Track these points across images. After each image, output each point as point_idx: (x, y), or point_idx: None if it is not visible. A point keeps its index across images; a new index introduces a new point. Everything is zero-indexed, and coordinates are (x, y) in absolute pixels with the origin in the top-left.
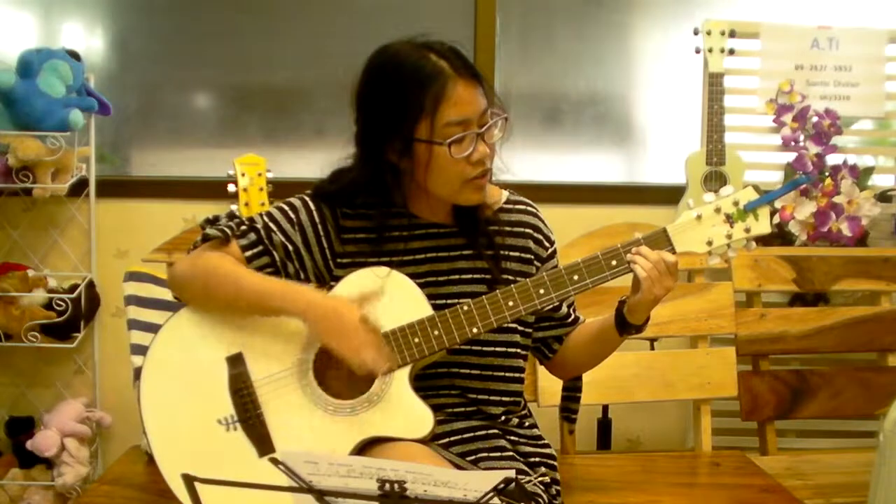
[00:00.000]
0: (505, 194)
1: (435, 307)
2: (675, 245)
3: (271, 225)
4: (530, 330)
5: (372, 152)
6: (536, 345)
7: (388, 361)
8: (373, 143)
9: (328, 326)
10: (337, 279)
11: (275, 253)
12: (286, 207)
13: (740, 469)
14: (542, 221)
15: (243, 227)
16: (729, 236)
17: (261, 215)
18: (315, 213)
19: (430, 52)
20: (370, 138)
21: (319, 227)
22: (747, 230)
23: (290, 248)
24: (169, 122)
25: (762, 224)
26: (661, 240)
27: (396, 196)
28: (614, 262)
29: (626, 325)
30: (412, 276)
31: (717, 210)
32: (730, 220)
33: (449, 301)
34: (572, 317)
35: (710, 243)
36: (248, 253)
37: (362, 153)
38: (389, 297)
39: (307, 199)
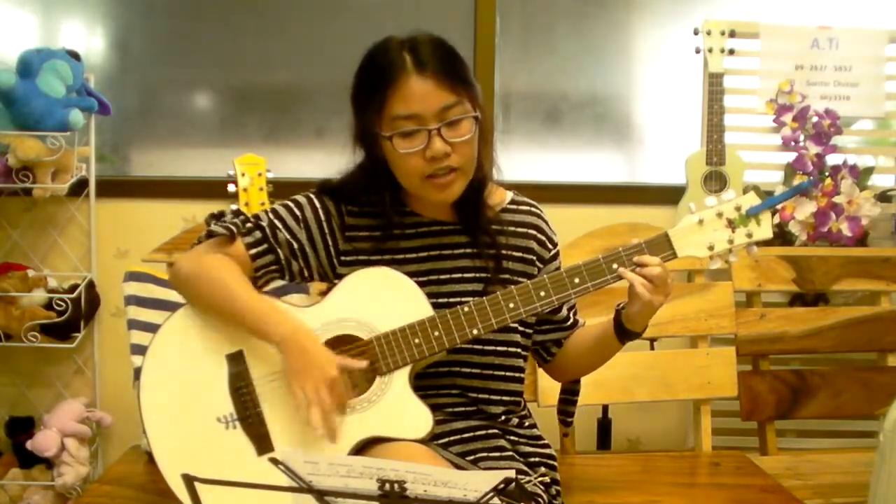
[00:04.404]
0: (509, 195)
1: (436, 306)
2: (677, 249)
3: (276, 222)
4: (530, 331)
5: (362, 147)
6: (535, 348)
7: (329, 431)
8: (360, 138)
9: (294, 365)
10: (340, 276)
11: (279, 251)
12: (291, 205)
13: (740, 469)
14: (546, 223)
15: (248, 225)
16: (730, 241)
17: (266, 213)
18: (320, 211)
19: (400, 46)
20: (357, 133)
21: (324, 224)
22: (749, 235)
23: (295, 245)
24: (169, 122)
25: (764, 229)
26: (662, 244)
27: (393, 192)
28: (615, 266)
29: (625, 332)
30: (414, 273)
31: (719, 215)
32: (731, 224)
33: (450, 300)
34: (571, 320)
35: (711, 248)
36: (253, 251)
37: (356, 149)
38: (390, 297)
39: (312, 196)
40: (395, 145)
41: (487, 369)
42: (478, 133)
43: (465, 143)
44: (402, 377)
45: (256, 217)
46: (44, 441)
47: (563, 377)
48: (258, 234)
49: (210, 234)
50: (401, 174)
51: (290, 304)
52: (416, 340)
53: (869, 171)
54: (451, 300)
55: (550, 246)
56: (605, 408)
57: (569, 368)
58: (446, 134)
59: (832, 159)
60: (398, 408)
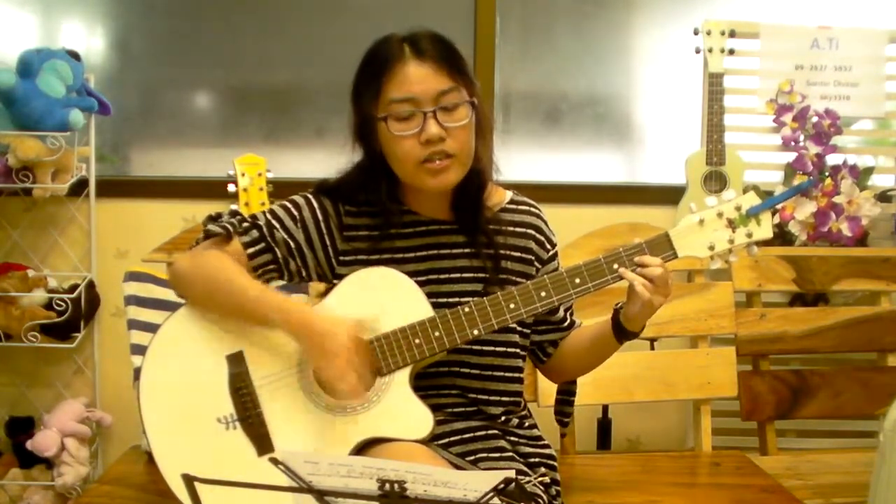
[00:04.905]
0: (509, 194)
1: (435, 305)
2: (677, 249)
3: (273, 222)
4: (528, 331)
5: (361, 143)
6: (532, 348)
7: (361, 395)
8: (359, 132)
9: (313, 347)
10: (339, 277)
11: (277, 250)
12: (289, 205)
13: (740, 469)
14: (545, 223)
15: (245, 224)
16: (731, 241)
17: (263, 213)
18: (318, 211)
19: (400, 39)
20: (355, 126)
21: (322, 224)
22: (749, 235)
23: (293, 245)
24: (169, 122)
25: (764, 229)
26: (663, 244)
27: (390, 188)
28: (616, 266)
29: (623, 331)
30: (413, 273)
31: (720, 215)
32: (732, 224)
33: (450, 300)
34: (568, 321)
35: (711, 247)
36: (250, 250)
37: (354, 145)
38: (390, 297)
39: (310, 196)
40: (390, 127)
41: (487, 370)
42: (474, 122)
43: (461, 129)
44: (402, 377)
45: (253, 217)
46: (44, 441)
47: (560, 378)
48: (255, 233)
49: (207, 235)
50: (396, 160)
51: None
52: (417, 341)
53: (869, 171)
54: (451, 300)
55: (549, 246)
56: (605, 408)
57: (565, 369)
58: (442, 118)
59: (832, 159)
60: (399, 408)
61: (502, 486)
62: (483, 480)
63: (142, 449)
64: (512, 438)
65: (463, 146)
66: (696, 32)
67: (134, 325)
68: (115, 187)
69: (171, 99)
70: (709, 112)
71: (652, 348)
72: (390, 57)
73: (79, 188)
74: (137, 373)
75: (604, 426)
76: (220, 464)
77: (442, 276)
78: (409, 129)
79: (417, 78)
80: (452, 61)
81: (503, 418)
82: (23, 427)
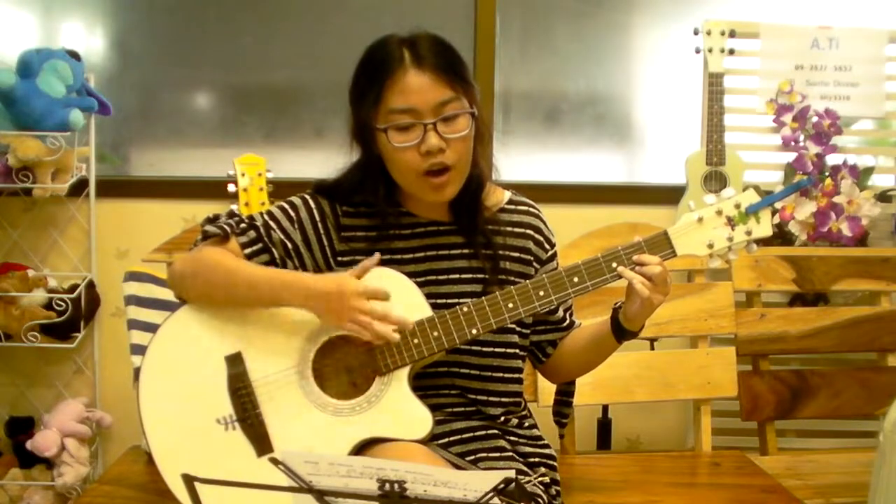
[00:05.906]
0: (507, 195)
1: (434, 306)
2: (676, 248)
3: (271, 223)
4: (528, 331)
5: (359, 144)
6: (531, 348)
7: (396, 326)
8: (358, 134)
9: (331, 310)
10: None
11: (274, 251)
12: (286, 206)
13: (740, 469)
14: (544, 223)
15: (243, 225)
16: (730, 239)
17: (261, 213)
18: (315, 212)
19: (399, 42)
20: (354, 130)
21: (319, 225)
22: (748, 233)
23: (290, 245)
24: (169, 122)
25: (763, 227)
26: (661, 243)
27: (388, 190)
28: (615, 265)
29: (623, 331)
30: (412, 274)
31: (719, 212)
32: (731, 222)
33: (448, 300)
34: (567, 321)
35: (711, 246)
36: (248, 251)
37: (353, 146)
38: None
39: (307, 197)
40: (389, 138)
41: (486, 370)
42: (474, 131)
43: (460, 140)
44: (401, 377)
45: (251, 218)
46: (44, 441)
47: (558, 378)
48: (253, 233)
49: (206, 236)
50: (396, 170)
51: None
52: (416, 341)
53: (869, 171)
54: (450, 300)
55: (548, 246)
56: (605, 408)
57: (564, 369)
58: (442, 129)
59: (832, 159)
60: (398, 408)
61: (502, 486)
62: (483, 480)
63: (142, 449)
64: (512, 438)
65: (462, 157)
66: (696, 32)
67: (134, 325)
68: (115, 187)
69: (171, 99)
70: (709, 112)
71: (652, 348)
72: (390, 62)
73: (79, 188)
74: (137, 373)
75: (604, 426)
76: (220, 464)
77: (441, 277)
78: (409, 141)
79: (417, 88)
80: (453, 68)
81: (503, 418)
82: (23, 427)
